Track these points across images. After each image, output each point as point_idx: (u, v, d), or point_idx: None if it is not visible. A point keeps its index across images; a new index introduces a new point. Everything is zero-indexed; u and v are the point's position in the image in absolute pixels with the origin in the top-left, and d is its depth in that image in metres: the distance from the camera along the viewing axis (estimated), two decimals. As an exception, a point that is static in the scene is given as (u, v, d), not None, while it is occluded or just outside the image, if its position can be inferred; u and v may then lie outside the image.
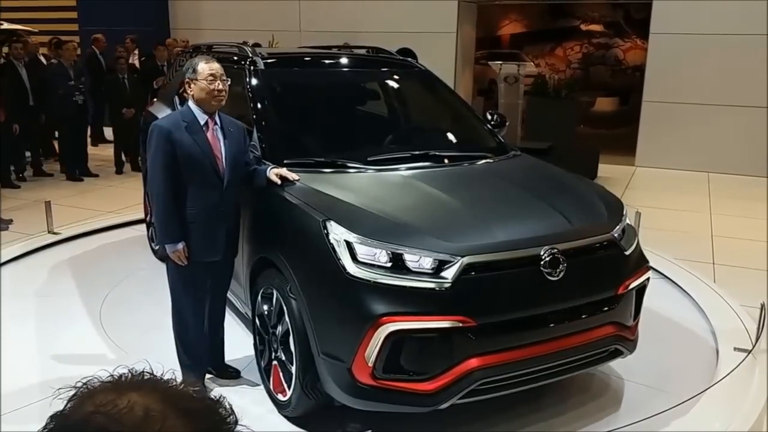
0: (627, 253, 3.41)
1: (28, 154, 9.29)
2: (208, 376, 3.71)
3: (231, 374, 3.81)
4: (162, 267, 5.52)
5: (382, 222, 3.10)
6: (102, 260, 5.84)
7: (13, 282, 5.26)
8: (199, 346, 3.62)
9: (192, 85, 3.36)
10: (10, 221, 6.86)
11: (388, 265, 2.92)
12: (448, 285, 2.89)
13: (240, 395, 3.63)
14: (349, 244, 2.97)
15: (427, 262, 2.92)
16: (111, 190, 8.64)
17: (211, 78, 3.33)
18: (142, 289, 5.20)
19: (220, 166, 3.37)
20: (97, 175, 9.34)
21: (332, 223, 3.06)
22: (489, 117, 4.76)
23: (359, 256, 2.94)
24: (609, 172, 9.53)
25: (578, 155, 9.21)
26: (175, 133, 3.29)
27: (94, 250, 6.13)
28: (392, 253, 2.94)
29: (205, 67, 3.34)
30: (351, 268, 2.92)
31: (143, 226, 6.11)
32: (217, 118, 3.42)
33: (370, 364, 2.87)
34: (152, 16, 13.91)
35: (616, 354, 3.40)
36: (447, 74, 11.12)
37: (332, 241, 3.01)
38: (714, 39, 10.05)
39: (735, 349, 4.10)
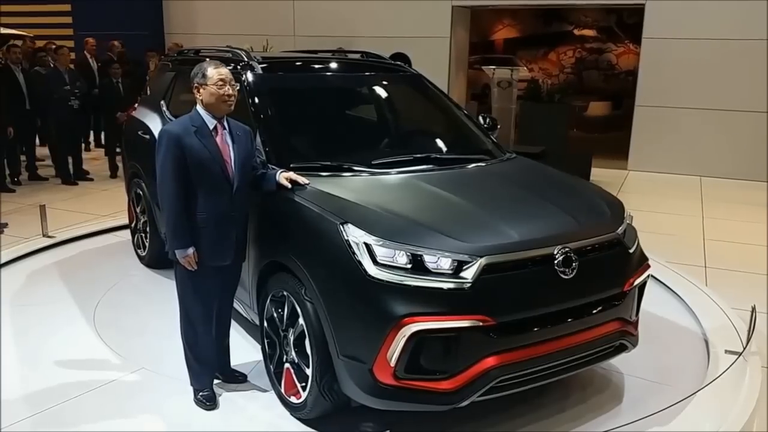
0: (631, 251, 3.52)
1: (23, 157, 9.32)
2: (215, 381, 3.71)
3: (237, 379, 3.81)
4: (154, 271, 5.58)
5: (400, 224, 3.13)
6: (96, 264, 5.84)
7: (8, 285, 5.25)
8: (208, 351, 3.62)
9: (201, 90, 3.35)
10: (6, 225, 6.88)
11: (408, 266, 2.95)
12: (469, 285, 2.94)
13: (249, 400, 3.65)
14: (368, 246, 2.99)
15: (446, 263, 2.96)
16: (106, 194, 8.65)
17: (221, 83, 3.33)
18: (136, 292, 5.21)
19: (229, 170, 3.37)
20: (92, 179, 9.38)
21: (350, 225, 3.08)
22: (481, 120, 4.84)
23: (379, 258, 2.97)
24: (602, 176, 9.59)
25: (571, 159, 9.26)
26: (185, 138, 3.28)
27: (88, 254, 6.14)
28: (412, 254, 2.97)
29: (214, 72, 3.34)
30: (371, 269, 2.95)
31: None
32: (225, 123, 3.43)
33: (392, 364, 2.90)
34: (147, 20, 13.93)
35: (622, 349, 3.50)
36: (441, 78, 11.19)
37: (351, 243, 3.03)
38: (706, 44, 10.14)
39: (726, 351, 4.14)
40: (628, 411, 3.59)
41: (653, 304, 4.67)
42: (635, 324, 3.57)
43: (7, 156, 8.74)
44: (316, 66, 4.92)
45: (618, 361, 3.81)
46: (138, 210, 5.74)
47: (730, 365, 3.90)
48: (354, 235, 3.05)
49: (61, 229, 6.57)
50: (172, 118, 5.11)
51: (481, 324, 2.91)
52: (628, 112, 11.78)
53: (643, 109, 10.77)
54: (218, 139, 3.37)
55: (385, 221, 3.14)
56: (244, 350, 4.13)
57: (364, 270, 2.96)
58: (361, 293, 2.98)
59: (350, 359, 3.02)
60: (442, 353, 2.95)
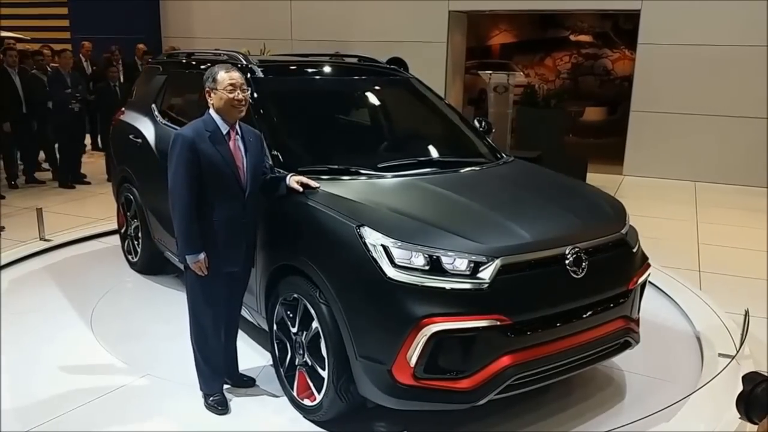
0: (634, 250, 3.61)
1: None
2: (225, 386, 3.71)
3: (246, 383, 3.80)
4: (147, 276, 5.56)
5: (415, 225, 3.15)
6: (93, 267, 5.84)
7: (5, 288, 5.26)
8: (218, 355, 3.61)
9: (212, 94, 3.34)
10: (3, 228, 6.88)
11: (426, 267, 2.98)
12: (486, 285, 2.98)
13: (260, 404, 3.66)
14: (385, 248, 3.01)
15: (462, 264, 2.99)
16: (103, 198, 8.61)
17: (231, 87, 3.31)
18: (131, 297, 5.22)
19: (241, 176, 3.36)
20: (89, 183, 9.38)
21: (367, 228, 3.10)
22: (477, 124, 4.87)
23: (396, 259, 2.99)
24: (597, 181, 9.59)
25: (567, 164, 9.25)
26: (199, 143, 3.26)
27: (84, 257, 6.14)
28: (429, 255, 2.99)
29: (225, 76, 3.32)
30: (390, 271, 2.97)
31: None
32: (238, 128, 3.41)
33: (411, 365, 2.93)
34: (144, 24, 13.95)
35: (626, 346, 3.57)
36: (437, 83, 11.21)
37: (368, 245, 3.05)
38: (701, 50, 10.21)
39: (719, 354, 4.18)
40: (629, 409, 3.64)
41: (648, 308, 4.68)
42: (637, 321, 3.65)
43: (3, 159, 8.74)
44: (317, 69, 4.91)
45: (618, 359, 3.87)
46: (129, 215, 5.66)
47: (724, 368, 3.94)
48: (371, 237, 3.06)
49: (58, 232, 6.58)
50: (166, 122, 5.13)
51: (498, 323, 2.96)
52: (623, 117, 11.83)
53: (638, 114, 10.83)
54: (231, 145, 3.36)
55: (401, 223, 3.17)
56: (248, 356, 4.11)
57: (383, 272, 2.98)
58: (380, 295, 3.00)
59: (369, 360, 3.03)
60: (461, 353, 2.99)
